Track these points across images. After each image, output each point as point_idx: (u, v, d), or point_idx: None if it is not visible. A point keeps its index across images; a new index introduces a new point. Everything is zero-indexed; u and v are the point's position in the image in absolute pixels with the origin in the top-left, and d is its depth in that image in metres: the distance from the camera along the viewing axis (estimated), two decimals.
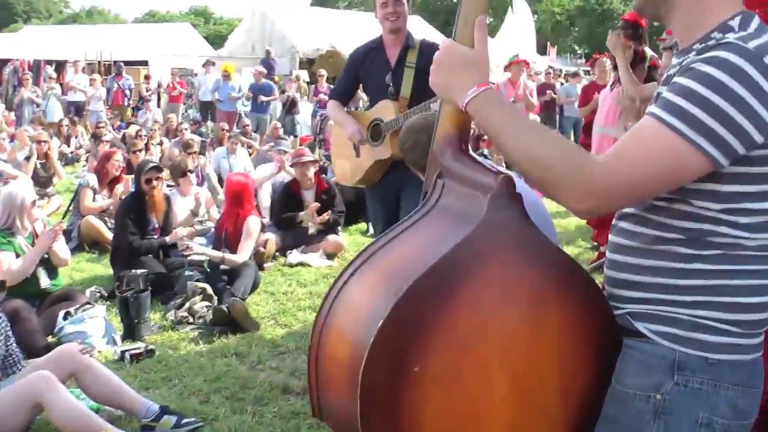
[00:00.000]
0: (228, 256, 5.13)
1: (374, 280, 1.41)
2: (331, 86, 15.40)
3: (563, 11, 46.02)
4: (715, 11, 1.32)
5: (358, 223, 7.67)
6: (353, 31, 19.27)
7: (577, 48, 45.48)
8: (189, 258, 5.31)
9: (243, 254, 5.19)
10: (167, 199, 5.83)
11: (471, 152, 1.50)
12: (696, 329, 1.33)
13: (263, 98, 13.44)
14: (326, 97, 14.77)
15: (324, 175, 7.45)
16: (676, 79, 1.27)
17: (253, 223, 5.39)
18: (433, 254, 1.27)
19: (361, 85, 4.43)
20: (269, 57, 15.84)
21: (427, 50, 4.01)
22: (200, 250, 5.20)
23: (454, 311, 1.28)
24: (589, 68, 12.54)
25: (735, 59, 1.21)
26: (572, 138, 10.77)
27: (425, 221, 1.45)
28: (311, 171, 6.66)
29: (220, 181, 8.80)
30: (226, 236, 5.38)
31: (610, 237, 1.49)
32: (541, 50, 27.53)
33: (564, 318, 1.35)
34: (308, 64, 18.64)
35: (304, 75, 16.94)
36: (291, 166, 7.11)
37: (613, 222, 1.49)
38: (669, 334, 1.34)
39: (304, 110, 15.12)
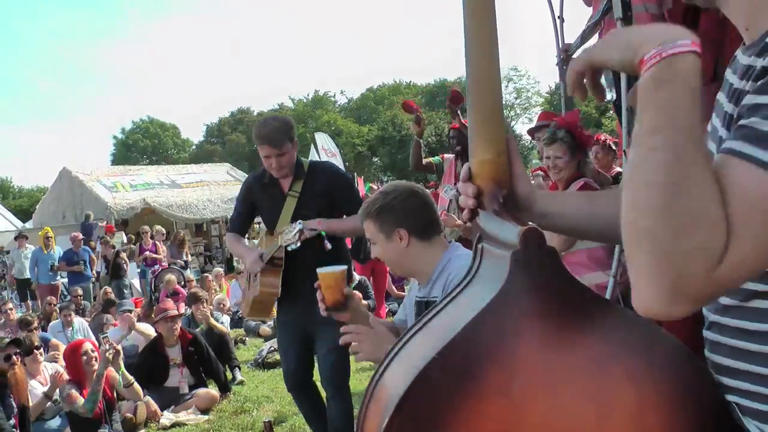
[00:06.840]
0: None
1: (401, 371, 1.15)
2: (156, 243, 15.28)
3: (364, 142, 47.42)
4: None
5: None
6: (165, 187, 19.29)
7: (382, 176, 46.27)
8: None
9: None
10: None
11: (502, 204, 1.27)
12: None
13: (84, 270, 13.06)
14: (152, 254, 14.67)
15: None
16: (756, 99, 0.90)
17: None
18: (446, 336, 1.03)
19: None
20: (89, 221, 15.18)
21: (317, 174, 3.77)
22: None
23: (478, 402, 1.00)
24: None
25: None
26: None
27: (461, 296, 1.20)
28: (178, 326, 6.50)
29: None
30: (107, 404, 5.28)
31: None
32: None
33: (641, 398, 1.01)
34: (123, 225, 18.13)
35: (122, 237, 16.38)
36: (155, 323, 6.86)
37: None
38: None
39: (129, 271, 14.71)
